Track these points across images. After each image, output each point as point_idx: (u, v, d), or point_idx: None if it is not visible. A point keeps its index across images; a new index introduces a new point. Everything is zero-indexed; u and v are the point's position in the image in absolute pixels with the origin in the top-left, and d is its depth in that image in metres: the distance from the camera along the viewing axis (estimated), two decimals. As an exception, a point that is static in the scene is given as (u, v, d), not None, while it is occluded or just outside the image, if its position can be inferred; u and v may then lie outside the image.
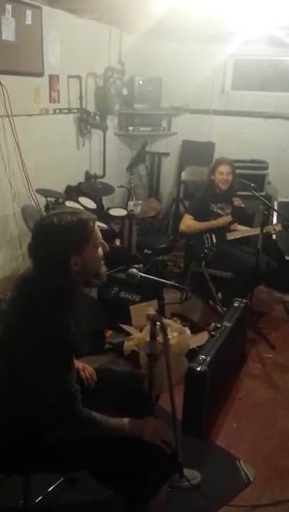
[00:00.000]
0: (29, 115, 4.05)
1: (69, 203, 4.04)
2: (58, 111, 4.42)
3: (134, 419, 1.67)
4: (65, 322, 1.51)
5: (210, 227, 3.85)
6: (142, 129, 5.65)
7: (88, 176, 5.11)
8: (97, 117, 4.99)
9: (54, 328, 1.48)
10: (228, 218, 3.89)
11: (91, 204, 4.30)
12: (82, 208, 3.88)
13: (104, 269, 1.69)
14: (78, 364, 1.95)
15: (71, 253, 1.55)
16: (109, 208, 4.56)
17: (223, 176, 3.85)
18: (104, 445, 1.61)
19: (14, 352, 1.51)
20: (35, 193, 4.06)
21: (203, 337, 2.90)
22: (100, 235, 1.64)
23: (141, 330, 3.12)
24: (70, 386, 1.52)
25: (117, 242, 4.50)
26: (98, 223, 1.68)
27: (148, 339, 1.91)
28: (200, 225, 3.85)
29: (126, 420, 1.65)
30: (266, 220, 3.78)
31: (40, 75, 4.09)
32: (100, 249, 1.64)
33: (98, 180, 4.93)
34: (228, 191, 3.95)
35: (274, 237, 3.98)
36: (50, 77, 4.21)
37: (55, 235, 1.54)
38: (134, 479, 1.62)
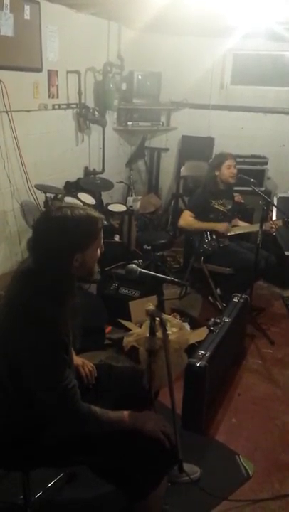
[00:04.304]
0: (28, 111, 4.03)
1: (68, 199, 4.03)
2: (56, 106, 4.40)
3: (134, 412, 1.68)
4: (61, 318, 1.52)
5: (209, 228, 3.83)
6: (141, 124, 5.64)
7: (87, 172, 5.10)
8: (96, 113, 4.97)
9: (51, 324, 1.48)
10: (228, 227, 3.84)
11: (90, 200, 4.30)
12: (81, 204, 3.88)
13: (96, 267, 1.69)
14: (78, 360, 1.95)
15: (77, 248, 1.55)
16: (108, 204, 4.56)
17: (231, 169, 3.82)
18: (104, 439, 1.61)
19: (12, 347, 1.51)
20: (34, 189, 4.06)
21: (202, 332, 2.90)
22: (102, 236, 1.65)
23: (140, 325, 3.13)
24: (68, 381, 1.52)
25: (117, 238, 4.50)
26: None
27: (147, 335, 1.91)
28: (199, 224, 3.83)
29: (126, 413, 1.66)
30: (266, 216, 3.78)
31: (39, 70, 4.07)
32: (98, 250, 1.65)
33: (97, 176, 4.92)
34: (231, 186, 3.94)
35: (274, 233, 3.98)
36: (49, 72, 4.20)
37: (66, 227, 1.53)
38: (134, 473, 1.63)
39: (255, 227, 3.80)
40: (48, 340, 1.47)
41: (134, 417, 1.66)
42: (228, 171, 3.83)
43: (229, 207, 3.98)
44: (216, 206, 3.90)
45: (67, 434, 1.59)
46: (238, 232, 3.93)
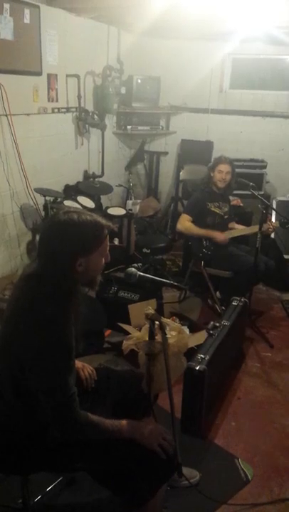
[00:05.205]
0: (27, 114, 4.04)
1: (67, 203, 4.04)
2: (56, 110, 4.41)
3: (132, 421, 1.66)
4: (65, 322, 1.51)
5: (206, 236, 3.83)
6: (140, 128, 5.65)
7: (87, 175, 5.11)
8: (96, 116, 4.99)
9: (55, 329, 1.48)
10: (225, 238, 3.82)
11: (89, 203, 4.30)
12: (80, 207, 3.89)
13: (99, 277, 1.70)
14: (78, 363, 1.94)
15: (81, 252, 1.55)
16: (107, 208, 4.56)
17: (222, 174, 3.84)
18: (103, 446, 1.61)
19: (15, 351, 1.51)
20: (34, 193, 4.06)
21: (201, 336, 2.90)
22: (108, 245, 1.65)
23: (140, 329, 3.12)
24: (69, 388, 1.52)
25: (116, 242, 4.50)
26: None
27: (147, 338, 1.91)
28: (197, 230, 3.83)
29: (124, 422, 1.64)
30: (265, 219, 3.78)
31: (39, 74, 4.08)
32: (103, 259, 1.65)
33: (97, 179, 4.93)
34: (225, 190, 3.95)
35: (273, 235, 3.98)
36: (49, 76, 4.21)
37: (71, 230, 1.54)
38: (133, 480, 1.62)
39: (253, 229, 3.80)
40: (52, 345, 1.47)
41: (132, 427, 1.64)
42: (218, 175, 3.85)
43: (226, 209, 3.98)
44: (212, 209, 3.90)
45: (65, 440, 1.58)
46: (236, 234, 3.93)
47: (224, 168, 3.84)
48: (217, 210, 3.92)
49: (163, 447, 1.64)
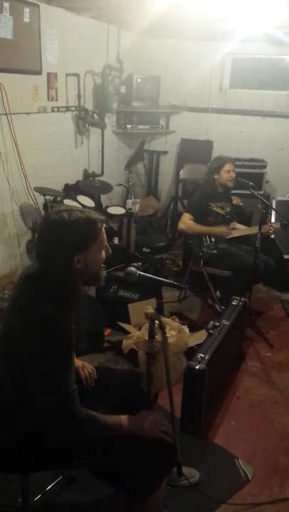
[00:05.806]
0: (27, 113, 4.04)
1: (67, 202, 4.04)
2: (56, 109, 4.41)
3: (131, 416, 1.67)
4: (65, 321, 1.52)
5: (208, 232, 3.83)
6: (140, 127, 5.65)
7: (86, 175, 5.11)
8: (96, 115, 4.98)
9: (54, 328, 1.48)
10: (227, 231, 3.85)
11: (89, 202, 4.30)
12: (80, 206, 3.88)
13: (104, 272, 1.70)
14: (78, 362, 1.95)
15: (76, 250, 1.56)
16: (107, 207, 4.56)
17: (230, 173, 3.84)
18: (103, 442, 1.61)
19: (14, 350, 1.51)
20: (34, 192, 4.06)
21: (201, 335, 2.90)
22: (105, 238, 1.65)
23: (140, 328, 3.12)
24: (69, 385, 1.52)
25: (116, 241, 4.49)
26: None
27: (147, 338, 1.90)
28: (199, 228, 3.83)
29: (124, 417, 1.65)
30: (264, 219, 3.78)
31: (38, 73, 4.08)
32: (103, 252, 1.65)
33: (96, 178, 4.92)
34: (229, 189, 3.95)
35: (273, 236, 3.97)
36: (48, 75, 4.20)
37: (63, 229, 1.55)
38: (134, 475, 1.62)
39: (253, 230, 3.80)
40: (52, 343, 1.47)
41: (132, 421, 1.66)
42: (227, 175, 3.84)
43: (228, 209, 3.98)
44: (214, 209, 3.90)
45: (66, 438, 1.59)
46: (236, 235, 3.93)
47: (230, 167, 3.85)
48: (219, 210, 3.91)
49: (166, 432, 1.66)
